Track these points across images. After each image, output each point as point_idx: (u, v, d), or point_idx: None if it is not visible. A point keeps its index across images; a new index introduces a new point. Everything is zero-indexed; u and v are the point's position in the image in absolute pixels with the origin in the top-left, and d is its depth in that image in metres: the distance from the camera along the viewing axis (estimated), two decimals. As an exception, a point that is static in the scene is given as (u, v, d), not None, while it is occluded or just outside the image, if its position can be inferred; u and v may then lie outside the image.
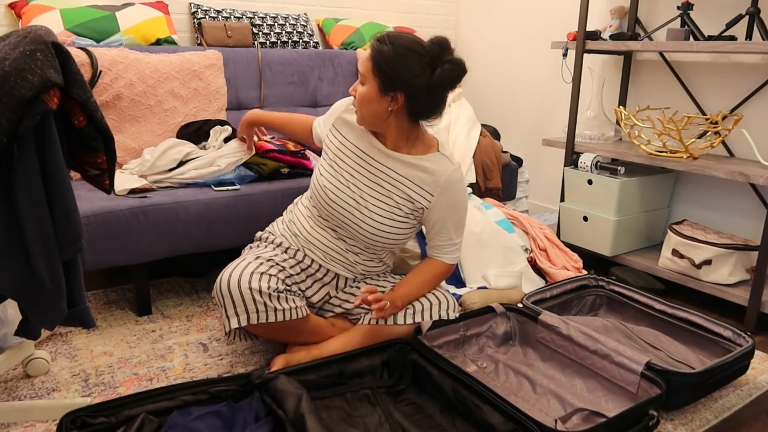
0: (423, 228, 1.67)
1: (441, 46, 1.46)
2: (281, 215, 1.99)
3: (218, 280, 1.47)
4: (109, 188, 1.20)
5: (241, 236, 1.94)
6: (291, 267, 1.58)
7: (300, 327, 1.53)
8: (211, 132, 2.10)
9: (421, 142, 1.60)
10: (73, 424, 1.15)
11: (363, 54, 1.52)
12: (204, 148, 2.09)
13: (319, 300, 1.64)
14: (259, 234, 1.73)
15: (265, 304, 1.43)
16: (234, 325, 1.43)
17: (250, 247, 1.70)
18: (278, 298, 1.45)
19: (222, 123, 2.19)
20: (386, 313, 1.52)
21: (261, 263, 1.51)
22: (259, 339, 1.77)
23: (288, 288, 1.50)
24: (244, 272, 1.45)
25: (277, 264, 1.54)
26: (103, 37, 2.32)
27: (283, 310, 1.46)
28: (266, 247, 1.64)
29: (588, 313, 1.94)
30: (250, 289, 1.42)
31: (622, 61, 2.61)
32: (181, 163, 1.98)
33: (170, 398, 1.25)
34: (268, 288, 1.44)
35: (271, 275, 1.47)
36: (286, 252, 1.61)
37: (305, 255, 1.61)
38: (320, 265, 1.61)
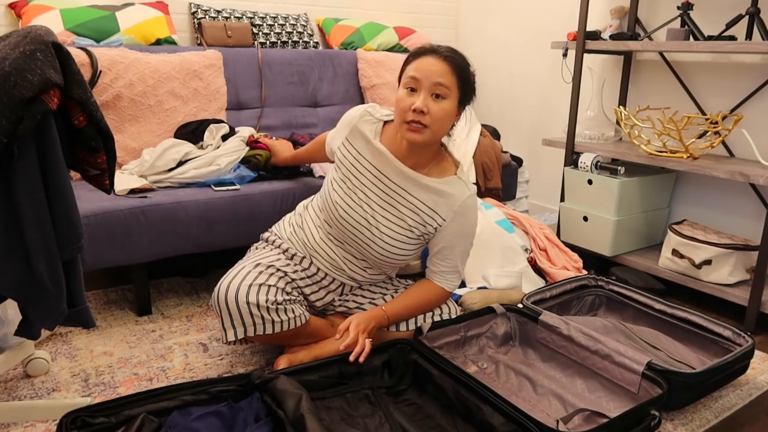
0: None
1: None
2: (283, 214, 1.98)
3: (216, 290, 1.45)
4: (109, 188, 1.20)
5: (241, 236, 1.94)
6: (294, 272, 1.56)
7: (299, 332, 1.51)
8: (207, 131, 2.09)
9: (443, 162, 1.56)
10: (73, 424, 1.15)
11: (436, 66, 1.38)
12: (202, 147, 2.09)
13: (323, 304, 1.64)
14: (266, 235, 1.69)
15: (263, 317, 1.42)
16: (231, 338, 1.43)
17: (255, 248, 1.69)
18: (276, 310, 1.43)
19: (218, 122, 2.19)
20: (365, 351, 1.43)
21: (260, 272, 1.47)
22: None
23: (288, 296, 1.47)
24: (242, 284, 1.43)
25: (279, 270, 1.51)
26: (103, 37, 2.32)
27: (281, 321, 1.44)
28: (271, 250, 1.61)
29: (587, 313, 1.94)
30: (247, 303, 1.41)
31: (622, 61, 2.61)
32: (181, 163, 1.98)
33: (170, 398, 1.25)
34: (266, 301, 1.41)
35: (270, 286, 1.44)
36: (291, 259, 1.59)
37: (311, 263, 1.59)
38: (326, 274, 1.59)
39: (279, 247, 1.62)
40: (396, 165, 1.52)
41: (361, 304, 1.64)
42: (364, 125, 1.57)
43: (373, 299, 1.64)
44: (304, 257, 1.59)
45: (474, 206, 1.55)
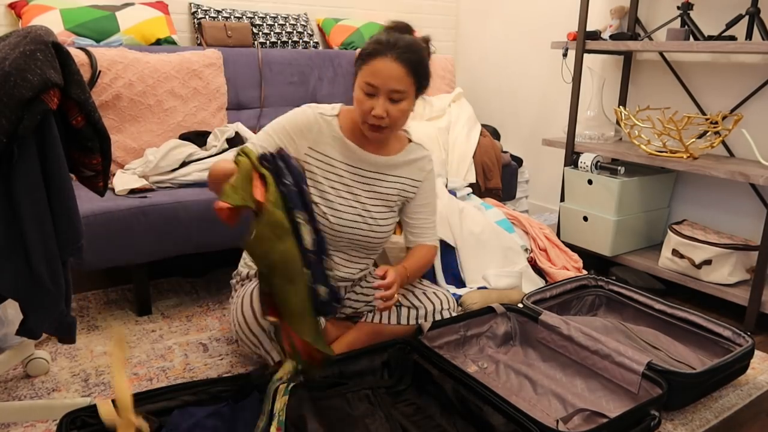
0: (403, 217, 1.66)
1: (405, 29, 1.52)
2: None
3: (235, 320, 1.47)
4: (102, 190, 1.20)
5: (241, 236, 1.94)
6: None
7: None
8: (212, 134, 2.09)
9: (395, 139, 1.60)
10: (73, 424, 1.15)
11: (393, 71, 1.37)
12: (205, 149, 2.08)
13: None
14: (237, 276, 1.65)
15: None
16: (277, 358, 1.44)
17: (235, 290, 1.62)
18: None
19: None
20: (391, 302, 1.41)
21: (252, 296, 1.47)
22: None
23: None
24: (247, 310, 1.44)
25: None
26: (103, 37, 2.32)
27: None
28: (251, 281, 1.56)
29: (587, 313, 1.94)
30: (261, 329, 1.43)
31: (622, 61, 2.61)
32: (184, 164, 1.98)
33: (170, 398, 1.25)
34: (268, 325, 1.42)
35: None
36: None
37: None
38: None
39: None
40: (365, 156, 1.53)
41: (357, 309, 1.65)
42: (323, 128, 1.50)
43: (368, 302, 1.65)
44: None
45: (433, 162, 1.67)
